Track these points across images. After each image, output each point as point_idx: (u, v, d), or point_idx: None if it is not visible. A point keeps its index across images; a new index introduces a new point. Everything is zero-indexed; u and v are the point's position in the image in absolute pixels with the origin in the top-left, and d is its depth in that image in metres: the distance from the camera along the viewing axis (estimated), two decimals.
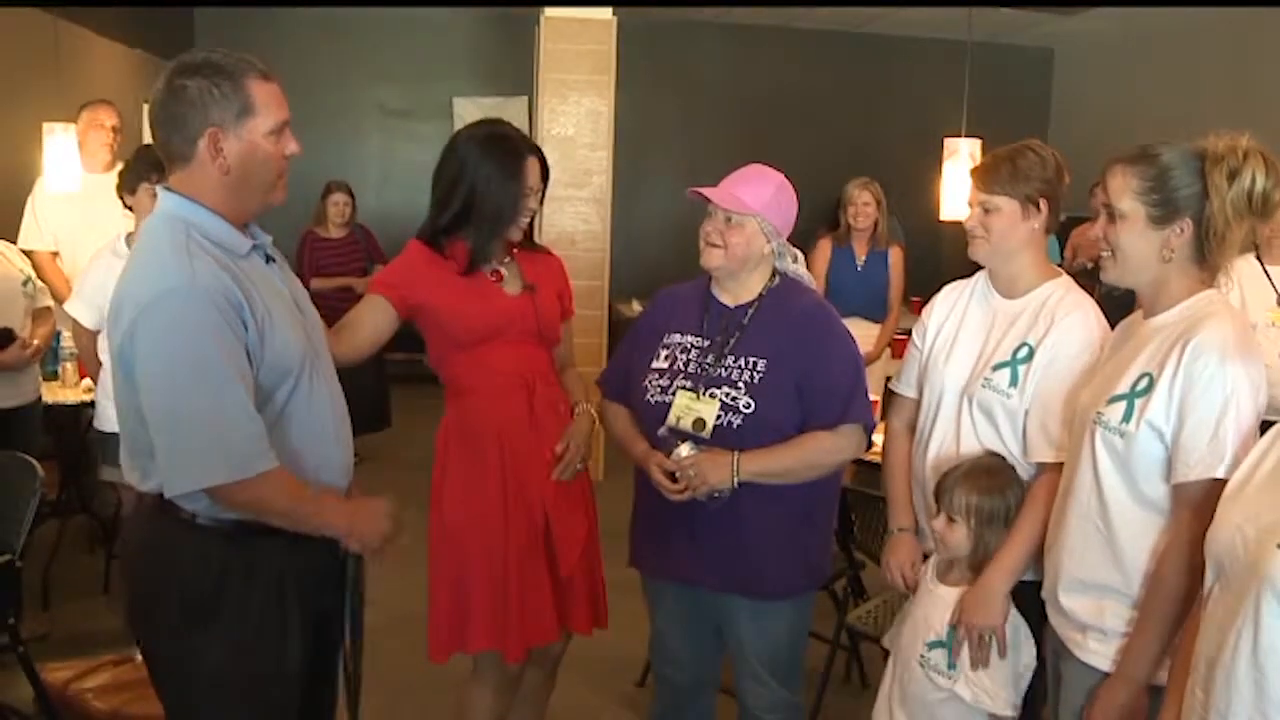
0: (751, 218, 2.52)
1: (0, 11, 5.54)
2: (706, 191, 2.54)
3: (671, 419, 2.50)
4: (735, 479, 2.42)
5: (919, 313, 8.14)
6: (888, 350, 5.93)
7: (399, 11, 8.95)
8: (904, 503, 2.63)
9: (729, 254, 2.53)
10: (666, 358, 2.60)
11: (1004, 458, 2.43)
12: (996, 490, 2.38)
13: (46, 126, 4.76)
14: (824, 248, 5.75)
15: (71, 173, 4.81)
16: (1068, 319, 2.40)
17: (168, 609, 2.02)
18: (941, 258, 8.50)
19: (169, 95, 1.94)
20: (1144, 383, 2.01)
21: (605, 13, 6.51)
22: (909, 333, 6.25)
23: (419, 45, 9.03)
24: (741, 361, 2.51)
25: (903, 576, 2.58)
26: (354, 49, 9.10)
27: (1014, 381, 2.42)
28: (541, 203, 2.80)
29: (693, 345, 2.59)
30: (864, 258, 5.68)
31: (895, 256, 5.72)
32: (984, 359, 2.49)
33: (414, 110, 9.25)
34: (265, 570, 2.04)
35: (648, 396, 2.57)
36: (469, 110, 8.98)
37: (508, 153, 2.69)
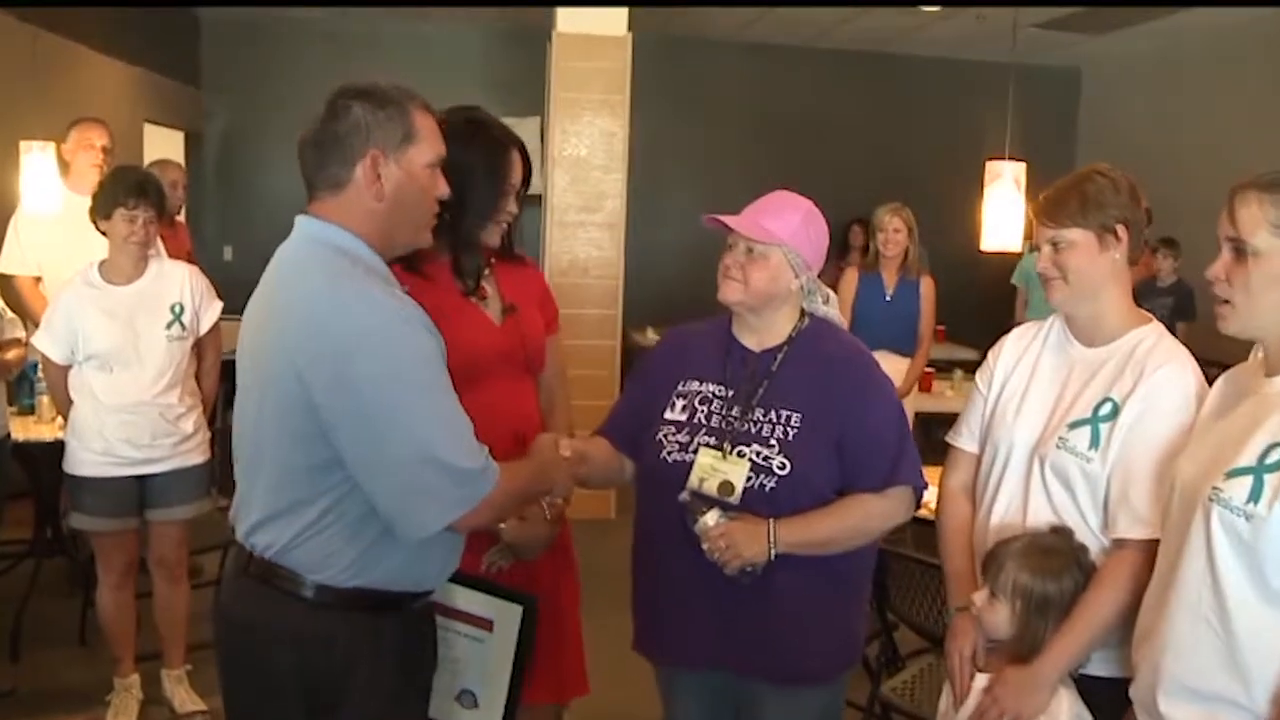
0: (776, 248, 2.23)
1: None
2: (726, 219, 2.24)
3: (694, 481, 2.19)
4: (772, 551, 2.12)
5: (943, 341, 7.87)
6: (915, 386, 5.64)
7: (410, 29, 8.75)
8: (966, 577, 2.29)
9: (750, 289, 2.24)
10: (684, 408, 2.29)
11: (1070, 535, 2.10)
12: (1051, 573, 2.06)
13: (24, 145, 4.50)
14: (850, 277, 5.46)
15: (50, 194, 4.54)
16: (1160, 372, 2.08)
17: (289, 695, 1.89)
18: (979, 291, 8.15)
19: (330, 116, 1.87)
20: (1275, 454, 1.67)
21: (620, 29, 6.25)
22: (937, 366, 6.05)
23: (430, 64, 8.79)
24: (772, 415, 2.21)
25: (961, 665, 2.22)
26: (365, 66, 8.81)
27: (1095, 443, 2.10)
28: (521, 207, 2.47)
29: (714, 395, 2.28)
30: (893, 287, 5.38)
31: (927, 287, 5.42)
32: (1059, 414, 2.17)
33: None
34: (391, 647, 1.93)
35: (664, 454, 2.26)
36: None
37: (490, 142, 2.38)
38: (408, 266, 2.34)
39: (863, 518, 2.20)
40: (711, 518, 2.12)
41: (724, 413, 2.25)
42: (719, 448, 2.20)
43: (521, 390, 2.47)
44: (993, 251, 4.36)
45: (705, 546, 2.12)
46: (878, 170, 8.58)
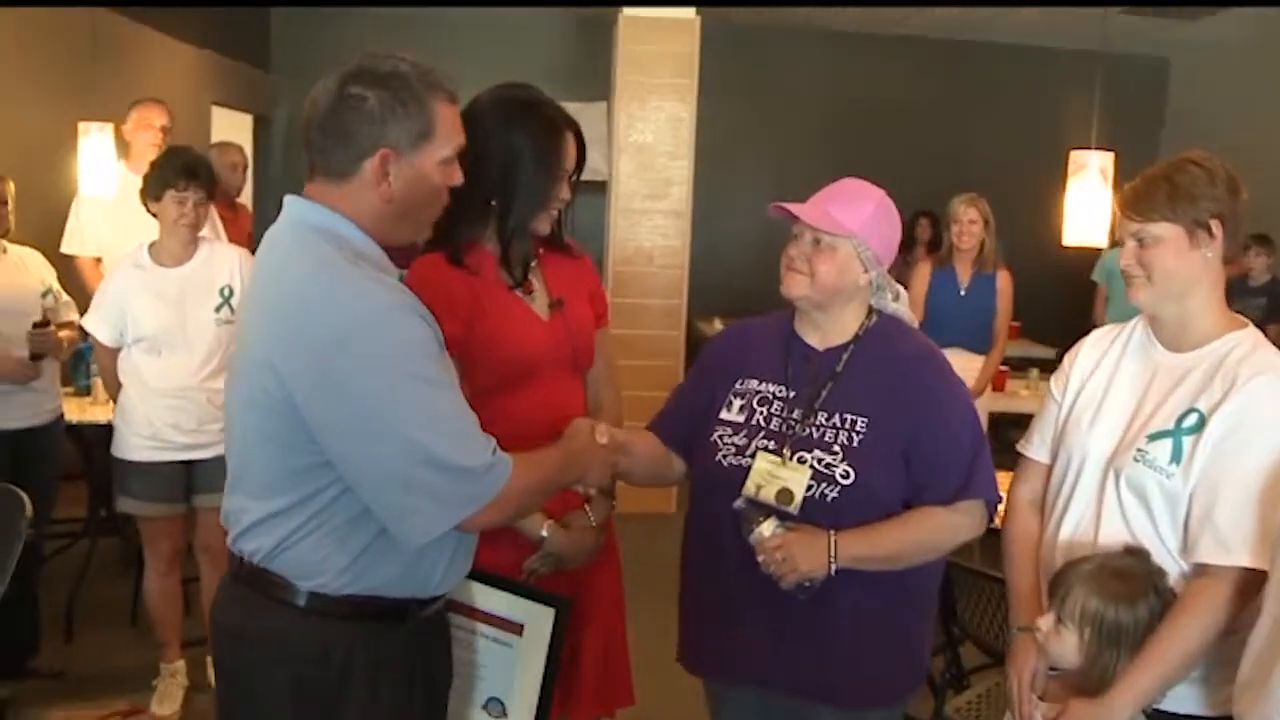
0: (845, 240, 2.07)
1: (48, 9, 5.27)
2: (792, 207, 2.08)
3: (750, 488, 2.04)
4: (832, 565, 1.96)
5: (1018, 338, 7.53)
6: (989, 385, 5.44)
7: (477, 14, 8.65)
8: (1030, 596, 2.12)
9: (816, 283, 2.08)
10: (741, 409, 2.15)
11: (1146, 557, 1.92)
12: (1125, 599, 1.87)
13: (82, 126, 4.46)
14: (923, 271, 5.26)
15: (106, 175, 4.50)
16: (1255, 382, 1.89)
17: (283, 709, 1.75)
18: (1057, 286, 7.80)
19: (341, 103, 1.68)
20: None
21: (688, 12, 6.10)
22: (1011, 365, 5.81)
23: (497, 48, 8.70)
24: (836, 419, 2.06)
25: (1022, 691, 2.05)
26: (431, 52, 8.68)
27: (1176, 457, 1.92)
28: (574, 192, 2.30)
29: (774, 395, 2.13)
30: (968, 282, 5.16)
31: (1004, 281, 5.19)
32: (1138, 424, 2.00)
33: None
34: (392, 659, 1.78)
35: (718, 456, 2.12)
36: None
37: (543, 124, 2.20)
38: (452, 258, 2.23)
39: (930, 532, 2.04)
40: (768, 528, 1.98)
41: (784, 415, 2.10)
42: (778, 453, 2.05)
43: (568, 389, 2.32)
44: (1074, 246, 4.11)
45: (760, 558, 1.98)
46: (950, 161, 8.30)
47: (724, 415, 2.16)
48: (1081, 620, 1.89)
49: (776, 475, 2.03)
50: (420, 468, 1.61)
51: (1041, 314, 7.31)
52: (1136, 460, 1.96)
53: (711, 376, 2.25)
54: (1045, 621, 1.94)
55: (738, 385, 2.18)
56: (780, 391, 2.13)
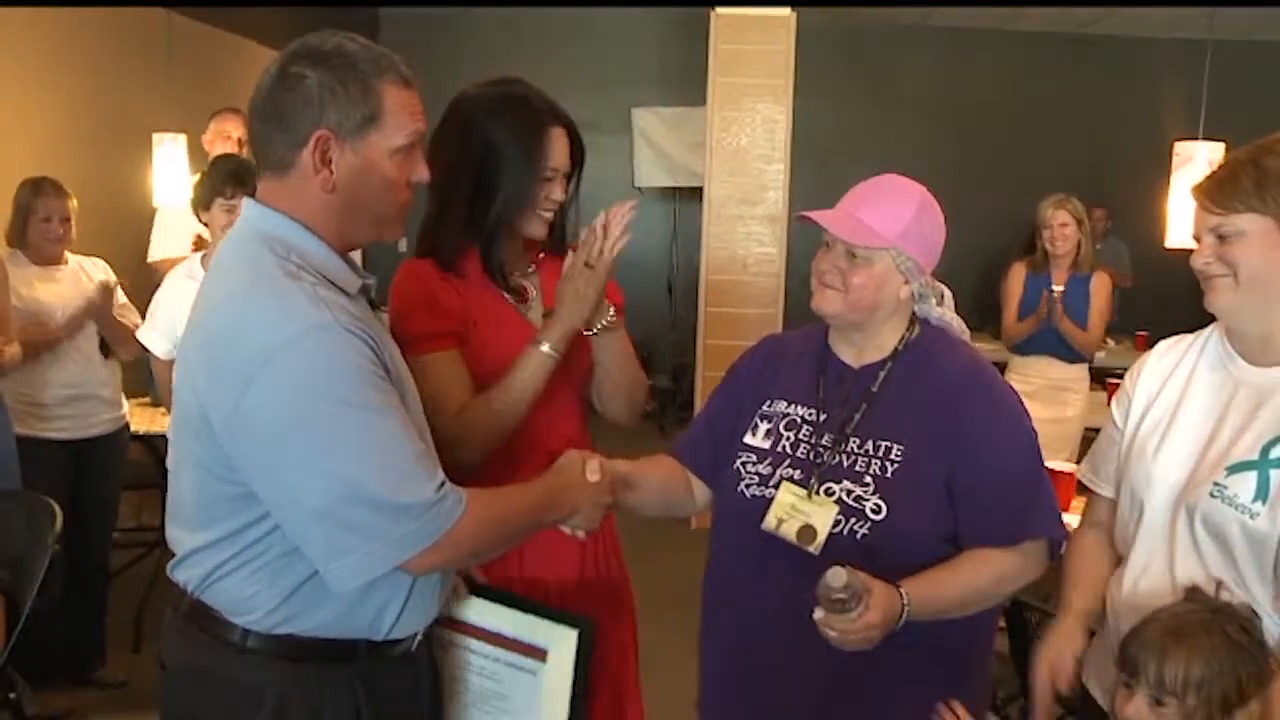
0: (884, 252, 1.84)
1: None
2: (821, 217, 1.86)
3: (770, 521, 1.83)
4: (902, 618, 1.69)
5: (1145, 349, 7.05)
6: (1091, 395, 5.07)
7: (580, 17, 8.57)
8: (1084, 583, 1.88)
9: (850, 300, 1.85)
10: (768, 433, 1.93)
11: (1210, 599, 1.64)
12: (1225, 652, 1.55)
13: (156, 137, 4.49)
14: (1018, 273, 4.92)
15: (180, 186, 4.50)
16: None
17: None
18: (1195, 295, 7.27)
19: (279, 83, 1.56)
20: None
21: (783, 8, 5.88)
22: (1113, 374, 5.40)
23: (599, 53, 8.62)
24: (869, 446, 1.83)
25: (1051, 678, 1.80)
26: (533, 57, 8.71)
27: (1262, 493, 1.65)
28: (575, 193, 2.15)
29: (803, 419, 1.91)
30: (1063, 287, 4.80)
31: (1098, 283, 4.80)
32: (1215, 453, 1.73)
33: (593, 121, 8.76)
34: (338, 704, 1.63)
35: (741, 486, 1.91)
36: (649, 121, 8.52)
37: (525, 118, 2.04)
38: (443, 264, 2.08)
39: (993, 580, 1.80)
40: (837, 579, 1.59)
41: (813, 441, 1.88)
42: (803, 484, 1.84)
43: (561, 406, 2.12)
44: (1179, 248, 3.74)
45: (818, 615, 1.64)
46: (1073, 165, 7.85)
47: (749, 440, 1.95)
48: (1182, 689, 1.55)
49: (800, 510, 1.82)
50: (347, 504, 1.47)
51: (1176, 324, 6.85)
52: (1213, 496, 1.69)
53: (740, 394, 2.05)
54: (1135, 705, 1.61)
55: (765, 407, 1.97)
56: (810, 415, 1.92)
